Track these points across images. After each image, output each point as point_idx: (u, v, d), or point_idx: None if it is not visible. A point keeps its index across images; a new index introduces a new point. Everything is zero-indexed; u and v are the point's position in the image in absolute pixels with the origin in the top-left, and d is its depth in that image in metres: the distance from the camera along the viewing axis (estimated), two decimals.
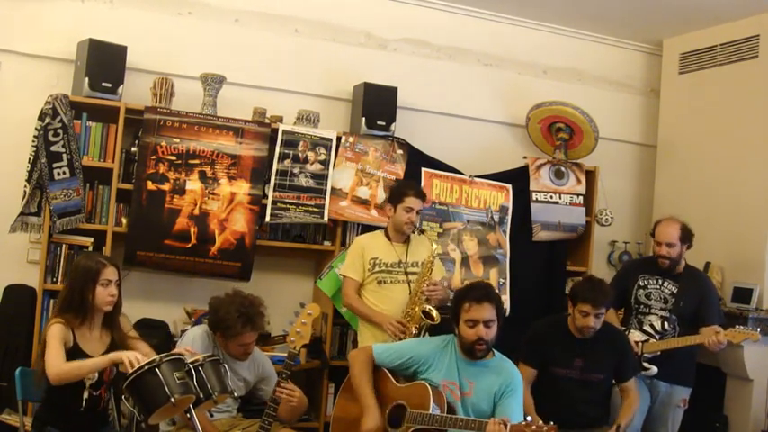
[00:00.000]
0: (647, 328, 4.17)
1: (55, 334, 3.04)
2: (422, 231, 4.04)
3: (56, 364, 2.94)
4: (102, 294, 3.15)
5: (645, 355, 4.04)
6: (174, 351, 3.01)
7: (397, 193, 4.03)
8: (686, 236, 4.18)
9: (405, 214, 3.94)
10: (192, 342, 3.40)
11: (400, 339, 3.73)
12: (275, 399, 3.32)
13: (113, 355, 2.97)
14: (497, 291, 4.67)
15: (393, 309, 3.89)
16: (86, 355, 3.12)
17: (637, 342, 4.08)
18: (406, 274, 3.95)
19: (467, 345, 3.26)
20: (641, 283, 4.26)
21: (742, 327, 4.04)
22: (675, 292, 4.18)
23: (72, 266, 3.30)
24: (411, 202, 3.93)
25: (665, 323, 4.16)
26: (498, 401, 3.22)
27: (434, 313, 3.83)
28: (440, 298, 3.89)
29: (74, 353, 3.09)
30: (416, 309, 3.84)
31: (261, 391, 3.63)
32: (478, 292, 3.29)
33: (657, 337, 4.14)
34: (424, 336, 3.82)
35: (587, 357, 3.72)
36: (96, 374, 3.12)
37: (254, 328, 3.41)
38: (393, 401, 3.32)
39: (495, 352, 3.38)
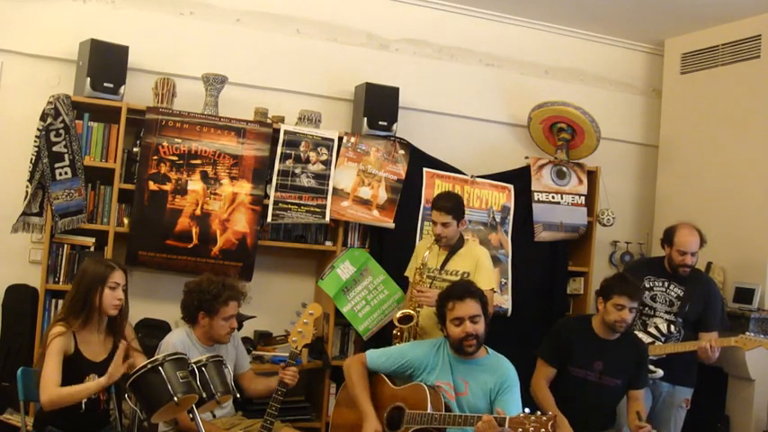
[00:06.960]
0: (651, 330, 4.16)
1: (54, 349, 3.03)
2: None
3: (49, 391, 2.96)
4: (109, 298, 3.16)
5: (650, 357, 4.02)
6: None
7: (432, 206, 4.16)
8: (703, 241, 4.17)
9: (433, 226, 4.08)
10: (174, 348, 3.35)
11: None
12: (276, 398, 3.34)
13: (104, 380, 2.99)
14: (499, 291, 4.71)
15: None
16: (88, 361, 3.13)
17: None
18: (433, 279, 4.01)
19: (456, 343, 3.29)
20: (647, 285, 4.24)
21: (752, 334, 3.98)
22: (682, 295, 4.17)
23: (80, 269, 3.29)
24: (434, 215, 4.07)
25: (672, 326, 4.14)
26: (495, 399, 3.24)
27: (412, 314, 3.93)
28: (428, 304, 3.82)
29: (75, 359, 3.09)
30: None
31: (237, 362, 3.70)
32: (459, 289, 3.35)
33: (663, 339, 4.12)
34: (410, 339, 3.89)
35: (608, 361, 3.68)
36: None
37: (237, 297, 3.52)
38: (391, 404, 3.33)
39: (489, 350, 3.39)
